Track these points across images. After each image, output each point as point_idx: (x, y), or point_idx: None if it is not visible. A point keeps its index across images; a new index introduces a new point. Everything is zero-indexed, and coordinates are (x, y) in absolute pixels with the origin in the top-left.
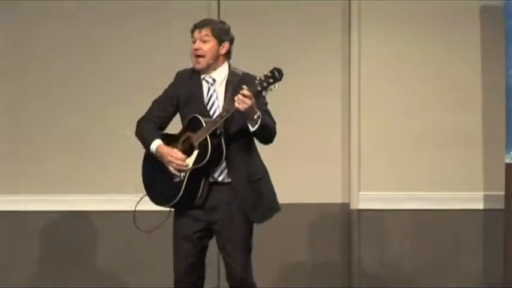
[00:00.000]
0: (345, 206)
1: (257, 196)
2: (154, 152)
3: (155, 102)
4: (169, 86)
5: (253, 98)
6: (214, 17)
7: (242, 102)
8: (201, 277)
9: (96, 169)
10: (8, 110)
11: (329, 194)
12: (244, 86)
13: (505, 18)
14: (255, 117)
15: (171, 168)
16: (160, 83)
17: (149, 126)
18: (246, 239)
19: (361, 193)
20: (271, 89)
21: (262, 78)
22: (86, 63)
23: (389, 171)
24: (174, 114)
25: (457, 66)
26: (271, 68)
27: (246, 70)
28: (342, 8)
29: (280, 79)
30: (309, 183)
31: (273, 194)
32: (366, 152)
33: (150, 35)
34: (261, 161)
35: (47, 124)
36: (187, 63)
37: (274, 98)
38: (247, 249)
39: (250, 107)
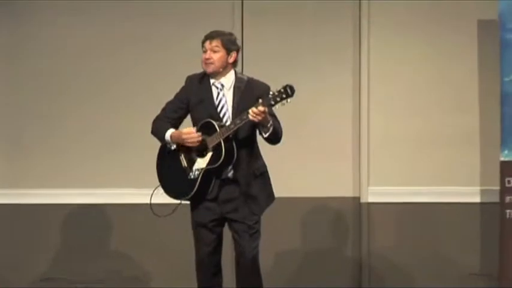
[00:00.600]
0: (356, 200)
1: (258, 189)
2: (169, 139)
3: (168, 104)
4: (180, 90)
5: (266, 111)
6: (238, 16)
7: (257, 115)
8: (219, 264)
9: (115, 165)
10: (37, 107)
11: (341, 189)
12: (260, 101)
13: (500, 31)
14: (268, 125)
15: (188, 143)
16: (179, 72)
17: (163, 124)
18: (254, 224)
19: (370, 188)
20: (283, 104)
21: (276, 93)
22: (114, 61)
23: (395, 167)
24: (185, 116)
25: (458, 73)
26: (284, 84)
27: (265, 64)
28: (352, 11)
29: (291, 95)
30: (323, 179)
31: (270, 188)
32: (374, 150)
33: (173, 34)
34: (262, 158)
35: (77, 124)
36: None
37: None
38: (257, 232)
39: (264, 119)
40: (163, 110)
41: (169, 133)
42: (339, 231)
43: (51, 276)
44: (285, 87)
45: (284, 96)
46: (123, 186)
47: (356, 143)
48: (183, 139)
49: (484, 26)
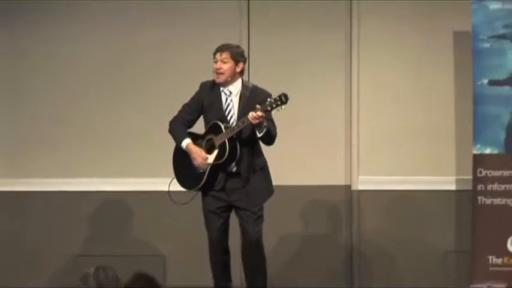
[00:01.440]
0: (347, 188)
1: (257, 184)
2: (184, 148)
3: (184, 107)
4: (195, 94)
5: (263, 115)
6: (245, 16)
7: (255, 119)
8: (227, 245)
9: (134, 157)
10: (68, 108)
11: (334, 178)
12: (257, 106)
13: (473, 41)
14: (263, 126)
15: (194, 162)
16: (190, 75)
17: (180, 127)
18: (258, 211)
19: (360, 177)
20: (278, 110)
21: (272, 100)
22: (133, 67)
23: (382, 159)
24: (198, 117)
25: (437, 77)
26: (280, 93)
27: (268, 70)
28: (345, 25)
29: (286, 103)
30: (318, 169)
31: (270, 181)
32: (363, 144)
33: (186, 43)
34: (263, 155)
35: (102, 122)
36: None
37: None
38: (261, 218)
39: (261, 122)
40: (180, 112)
41: (185, 143)
42: (332, 216)
43: (81, 254)
44: (280, 96)
45: (279, 103)
46: (143, 176)
47: (348, 138)
48: (194, 158)
49: (459, 36)
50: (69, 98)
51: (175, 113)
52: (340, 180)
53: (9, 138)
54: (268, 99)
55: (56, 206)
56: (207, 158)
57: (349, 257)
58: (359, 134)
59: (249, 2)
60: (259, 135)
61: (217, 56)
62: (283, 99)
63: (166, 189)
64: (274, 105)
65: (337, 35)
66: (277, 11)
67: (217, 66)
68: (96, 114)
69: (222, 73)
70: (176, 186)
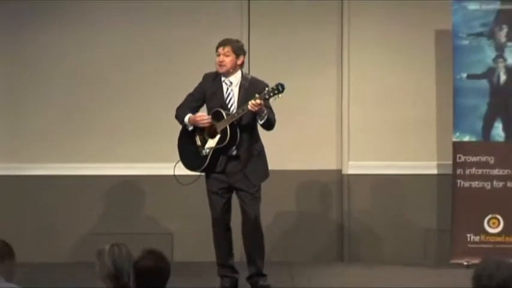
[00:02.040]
0: (338, 172)
1: (255, 167)
2: (187, 121)
3: (189, 96)
4: (198, 84)
5: (262, 103)
6: (245, 16)
7: (254, 106)
8: (229, 223)
9: (143, 143)
10: (88, 101)
11: (327, 163)
12: (256, 95)
13: (453, 39)
14: (263, 114)
15: (200, 124)
16: (191, 68)
17: (184, 112)
18: (256, 192)
19: (350, 162)
20: (275, 98)
21: (270, 89)
22: (143, 52)
23: (370, 146)
24: (202, 105)
25: (420, 72)
26: (277, 83)
27: (267, 64)
28: (337, 26)
29: (282, 92)
30: (312, 155)
31: (266, 165)
32: (353, 133)
33: (190, 41)
34: (260, 140)
35: (117, 114)
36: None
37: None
38: (258, 199)
39: (259, 110)
40: (185, 100)
41: (187, 117)
42: (324, 197)
43: (98, 232)
44: (277, 85)
45: (276, 92)
46: (154, 161)
47: (339, 128)
48: (197, 120)
49: (440, 34)
50: (89, 90)
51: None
52: (332, 165)
53: (39, 126)
54: (266, 89)
55: (74, 189)
56: (207, 117)
57: (339, 233)
58: (349, 124)
59: (249, 2)
60: (260, 122)
61: (220, 49)
62: (279, 89)
63: (174, 173)
64: (271, 94)
65: (330, 34)
66: (276, 11)
67: (220, 59)
68: (111, 107)
69: (224, 65)
70: (182, 170)
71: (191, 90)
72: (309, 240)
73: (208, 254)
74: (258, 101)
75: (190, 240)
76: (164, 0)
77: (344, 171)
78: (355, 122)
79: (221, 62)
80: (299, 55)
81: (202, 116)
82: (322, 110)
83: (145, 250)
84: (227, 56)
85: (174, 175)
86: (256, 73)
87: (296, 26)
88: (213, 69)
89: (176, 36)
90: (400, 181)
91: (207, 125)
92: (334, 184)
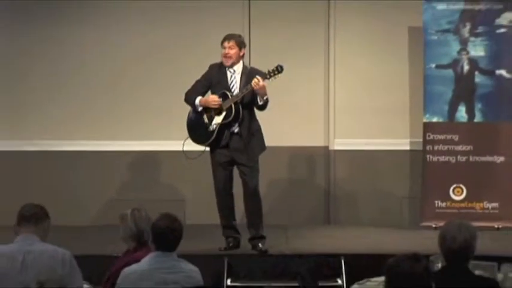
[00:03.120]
0: (326, 148)
1: (254, 144)
2: (197, 103)
3: (197, 82)
4: (205, 73)
5: (264, 83)
6: (246, 15)
7: (256, 84)
8: (231, 191)
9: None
10: (112, 86)
11: (316, 140)
12: (257, 76)
13: (424, 34)
14: (264, 97)
15: (211, 104)
16: (200, 69)
17: (193, 95)
18: (254, 164)
19: (336, 140)
20: (275, 78)
21: (270, 70)
22: (158, 47)
23: (354, 125)
24: (207, 91)
25: (396, 62)
26: (277, 64)
27: (265, 57)
28: (324, 12)
29: (281, 72)
30: (303, 133)
31: (263, 141)
32: (339, 114)
33: (188, 29)
34: (257, 120)
35: (134, 104)
36: (218, 53)
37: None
38: (257, 171)
39: (262, 89)
40: (193, 86)
41: (198, 99)
42: (314, 170)
43: (120, 199)
44: (277, 66)
45: (276, 72)
46: (169, 139)
47: (326, 110)
48: (209, 101)
49: (412, 31)
50: (110, 81)
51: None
52: (320, 142)
53: (67, 108)
54: (268, 69)
55: (99, 162)
56: (219, 100)
57: (326, 201)
58: (335, 106)
59: (249, 3)
60: (260, 102)
61: (225, 43)
62: (279, 69)
63: (183, 149)
64: (272, 74)
65: (318, 29)
66: (272, 10)
67: (226, 52)
68: (131, 94)
69: (230, 57)
70: (189, 146)
71: (197, 78)
72: (300, 206)
73: (215, 217)
74: (260, 79)
75: (199, 205)
76: (175, 0)
77: (331, 147)
78: (340, 105)
79: (227, 54)
80: (292, 47)
81: (214, 97)
82: (311, 94)
83: (161, 214)
84: (232, 48)
85: (183, 151)
86: (255, 63)
87: (290, 23)
88: (217, 60)
89: (186, 31)
90: (378, 156)
91: (217, 106)
92: (322, 158)
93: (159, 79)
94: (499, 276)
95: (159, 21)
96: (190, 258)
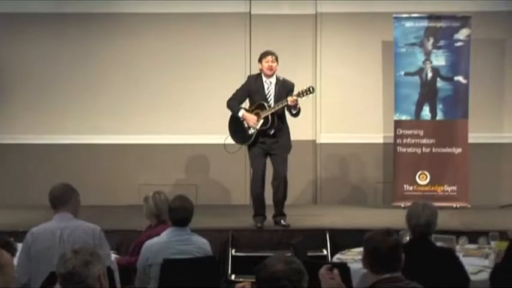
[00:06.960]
0: (314, 142)
1: (285, 141)
2: (240, 116)
3: (237, 91)
4: (244, 83)
5: (297, 99)
6: (247, 35)
7: (293, 102)
8: (264, 179)
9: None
10: (136, 85)
11: (304, 134)
12: (294, 96)
13: (394, 47)
14: (297, 108)
15: (250, 123)
16: (221, 66)
17: (235, 103)
18: (286, 157)
19: (322, 134)
20: (307, 97)
21: (304, 90)
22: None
23: (338, 122)
24: (245, 99)
25: (371, 70)
26: (309, 85)
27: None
28: (312, 26)
29: (312, 92)
30: (295, 129)
31: (290, 140)
32: (325, 111)
33: (205, 49)
34: (287, 123)
35: (166, 100)
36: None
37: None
38: (287, 161)
39: (296, 104)
40: (234, 94)
41: (241, 113)
42: (303, 159)
43: (144, 183)
44: (309, 87)
45: (308, 92)
46: (194, 133)
47: (314, 109)
48: (249, 121)
49: (385, 44)
50: (141, 76)
51: (212, 92)
52: (308, 136)
53: (85, 104)
54: (301, 90)
55: (127, 153)
56: (257, 120)
57: (314, 184)
58: (321, 107)
59: (250, 15)
60: (294, 112)
61: (269, 57)
62: (311, 90)
63: (201, 142)
64: (304, 94)
65: (307, 41)
66: (270, 24)
67: (271, 65)
68: (163, 91)
69: (273, 69)
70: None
71: (213, 82)
72: (292, 189)
73: (222, 199)
74: (295, 97)
75: (208, 189)
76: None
77: (317, 141)
78: (325, 106)
79: (271, 67)
80: (285, 56)
81: (254, 119)
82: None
83: (177, 196)
84: (273, 62)
85: (224, 145)
86: (255, 67)
87: (284, 34)
88: (233, 64)
89: (210, 40)
90: (357, 148)
91: (254, 124)
92: (311, 150)
93: (186, 86)
94: (457, 248)
95: (182, 33)
96: (201, 232)
